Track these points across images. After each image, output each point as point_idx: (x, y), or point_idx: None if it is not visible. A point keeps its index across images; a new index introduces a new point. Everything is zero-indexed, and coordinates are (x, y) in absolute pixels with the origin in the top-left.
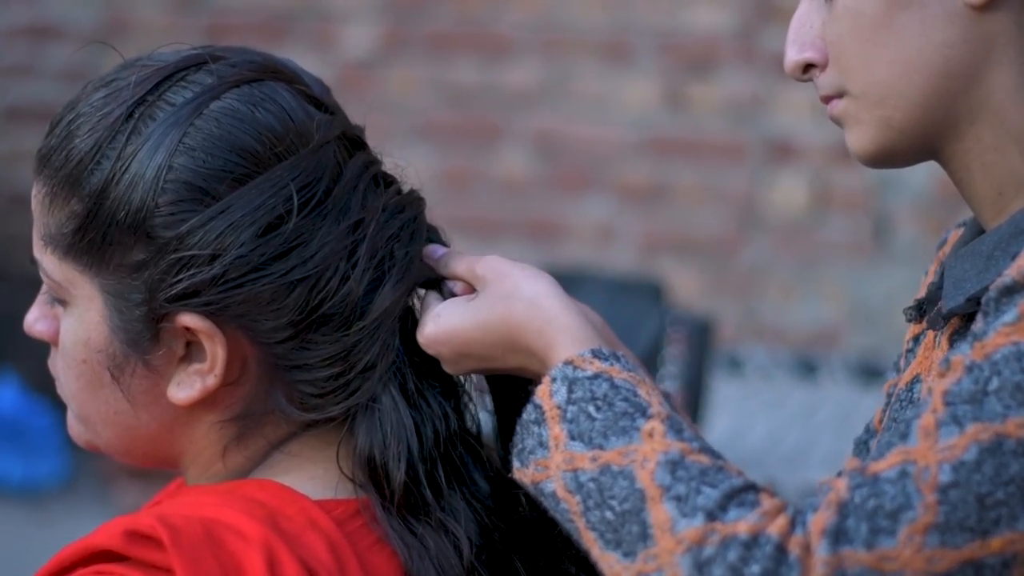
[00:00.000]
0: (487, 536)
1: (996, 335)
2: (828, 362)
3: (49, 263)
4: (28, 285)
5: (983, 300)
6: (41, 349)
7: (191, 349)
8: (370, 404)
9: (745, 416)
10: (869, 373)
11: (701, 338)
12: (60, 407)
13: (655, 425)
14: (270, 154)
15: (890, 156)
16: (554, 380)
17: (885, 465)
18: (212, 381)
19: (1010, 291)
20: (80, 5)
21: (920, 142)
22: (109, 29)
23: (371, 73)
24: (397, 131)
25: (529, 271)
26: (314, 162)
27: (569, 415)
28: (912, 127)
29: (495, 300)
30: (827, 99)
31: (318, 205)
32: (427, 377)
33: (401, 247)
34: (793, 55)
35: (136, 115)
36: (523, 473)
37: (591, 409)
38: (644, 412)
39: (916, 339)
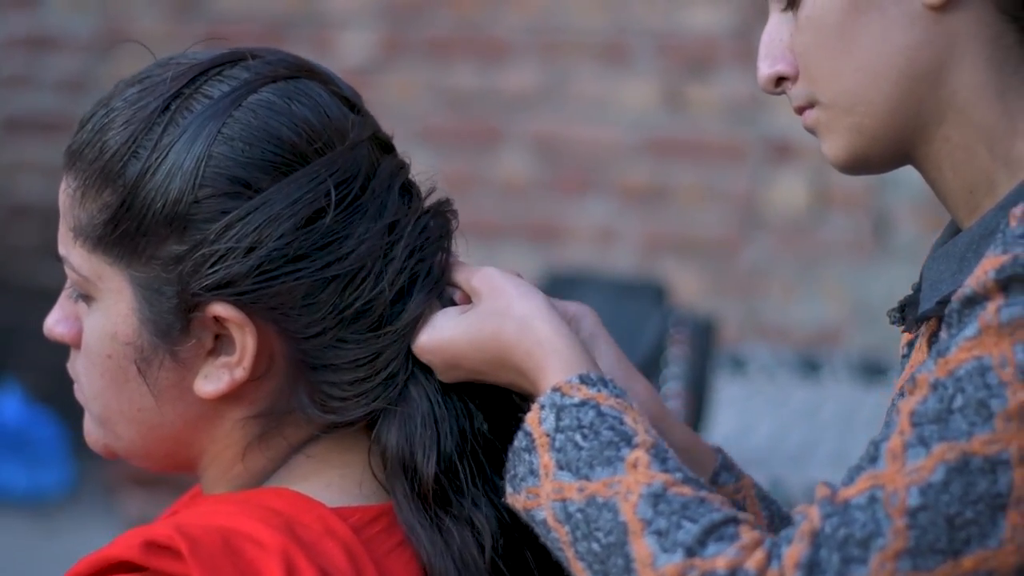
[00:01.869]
0: (507, 533)
1: (958, 350)
2: (830, 360)
3: (77, 257)
4: (29, 296)
5: (946, 311)
6: (44, 359)
7: (219, 343)
8: (393, 407)
9: (749, 415)
10: (871, 371)
11: (704, 338)
12: (64, 417)
13: (639, 455)
14: (308, 148)
15: (865, 162)
16: (543, 407)
17: (855, 491)
18: (240, 374)
19: (971, 302)
20: (78, 15)
21: (893, 146)
22: (107, 38)
23: (370, 79)
24: (397, 136)
25: (523, 288)
26: (351, 159)
27: (557, 443)
28: (884, 132)
29: (487, 316)
30: (800, 110)
31: (355, 201)
32: None
33: (439, 253)
34: (764, 69)
35: (173, 107)
36: (515, 499)
37: (578, 438)
38: (629, 441)
39: (910, 345)
